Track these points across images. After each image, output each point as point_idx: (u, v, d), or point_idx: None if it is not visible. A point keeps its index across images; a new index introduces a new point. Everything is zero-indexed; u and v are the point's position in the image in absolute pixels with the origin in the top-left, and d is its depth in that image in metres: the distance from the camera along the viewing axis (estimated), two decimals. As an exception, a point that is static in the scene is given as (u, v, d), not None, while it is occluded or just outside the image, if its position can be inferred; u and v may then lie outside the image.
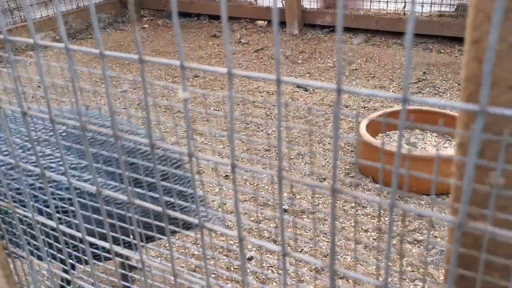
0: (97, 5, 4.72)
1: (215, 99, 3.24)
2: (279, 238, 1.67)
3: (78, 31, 4.61)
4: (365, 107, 3.07)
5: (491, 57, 0.39)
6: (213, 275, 1.22)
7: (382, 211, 1.98)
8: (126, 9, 5.09)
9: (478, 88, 0.52)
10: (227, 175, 2.34)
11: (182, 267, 1.56)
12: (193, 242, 1.73)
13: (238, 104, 3.16)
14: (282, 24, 4.54)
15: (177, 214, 0.62)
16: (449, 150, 2.23)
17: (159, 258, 1.20)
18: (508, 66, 0.49)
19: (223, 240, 1.79)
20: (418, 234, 1.77)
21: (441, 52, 3.83)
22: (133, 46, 4.42)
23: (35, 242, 1.10)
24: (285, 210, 2.05)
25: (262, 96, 3.31)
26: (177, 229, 0.77)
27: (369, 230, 1.88)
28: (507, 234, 0.45)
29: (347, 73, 3.64)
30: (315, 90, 3.35)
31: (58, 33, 4.41)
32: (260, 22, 4.78)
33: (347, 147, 2.65)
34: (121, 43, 4.44)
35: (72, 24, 4.48)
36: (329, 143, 2.66)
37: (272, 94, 3.33)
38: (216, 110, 3.11)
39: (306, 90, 3.38)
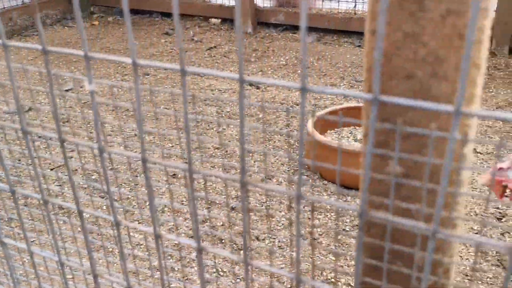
0: (44, 2, 4.56)
1: (165, 97, 3.19)
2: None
3: (23, 27, 4.44)
4: (315, 105, 3.10)
5: (380, 44, 0.39)
6: (134, 274, 1.19)
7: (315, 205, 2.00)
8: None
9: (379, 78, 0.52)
10: (174, 174, 2.31)
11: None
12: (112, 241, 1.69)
13: (190, 102, 3.13)
14: (234, 21, 4.54)
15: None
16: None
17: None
18: (404, 56, 0.49)
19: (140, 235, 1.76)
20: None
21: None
22: (81, 43, 4.28)
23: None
24: (233, 208, 2.04)
25: (213, 94, 3.28)
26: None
27: (283, 222, 1.90)
28: (407, 223, 0.45)
29: (299, 71, 3.67)
30: (267, 88, 3.35)
31: None
32: (213, 20, 4.75)
33: (296, 144, 2.66)
34: (69, 40, 4.31)
35: (17, 21, 4.31)
36: (278, 141, 2.67)
37: (224, 92, 3.31)
38: (166, 108, 3.06)
39: (258, 88, 3.38)
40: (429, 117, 0.50)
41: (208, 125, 2.80)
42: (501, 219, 2.03)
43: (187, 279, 1.56)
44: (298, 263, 0.54)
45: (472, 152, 0.55)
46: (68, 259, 0.89)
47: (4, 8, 4.19)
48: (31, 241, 1.47)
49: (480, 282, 1.08)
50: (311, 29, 4.32)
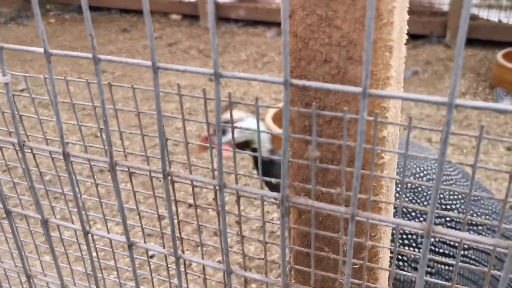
0: (-4, -1, 4.41)
1: (124, 94, 3.14)
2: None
3: (-25, 26, 4.28)
4: (276, 99, 3.11)
5: (286, 27, 0.38)
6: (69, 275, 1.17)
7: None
8: (29, 2, 4.79)
9: (298, 63, 0.52)
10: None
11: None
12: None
13: (148, 99, 3.08)
14: (196, 17, 4.49)
15: None
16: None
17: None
18: (321, 39, 0.49)
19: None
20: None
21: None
22: (37, 41, 4.17)
23: None
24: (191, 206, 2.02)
25: (173, 90, 3.25)
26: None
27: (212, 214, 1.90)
28: (326, 207, 0.45)
29: (260, 65, 3.67)
30: (228, 83, 3.34)
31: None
32: (174, 16, 4.69)
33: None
34: (24, 38, 4.18)
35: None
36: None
37: (184, 88, 3.27)
38: (124, 106, 3.01)
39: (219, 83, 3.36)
40: (348, 101, 0.50)
41: (167, 122, 2.77)
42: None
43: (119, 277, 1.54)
44: (227, 253, 0.54)
45: (412, 138, 0.55)
46: (1, 261, 0.86)
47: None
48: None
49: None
50: (271, 24, 4.32)
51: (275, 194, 0.49)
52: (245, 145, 1.27)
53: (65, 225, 0.65)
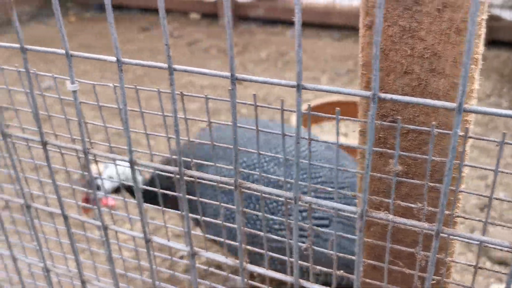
0: (18, -3, 4.45)
1: (146, 94, 3.15)
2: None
3: (-3, 25, 4.32)
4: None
5: (378, 39, 0.37)
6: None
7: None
8: (50, 1, 4.83)
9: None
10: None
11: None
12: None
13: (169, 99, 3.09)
14: (215, 16, 4.49)
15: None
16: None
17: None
18: (402, 51, 0.48)
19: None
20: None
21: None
22: (58, 40, 4.19)
23: None
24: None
25: (195, 90, 3.25)
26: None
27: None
28: (409, 223, 0.44)
29: (280, 65, 3.65)
30: (250, 83, 3.33)
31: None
32: (193, 15, 4.70)
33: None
34: (45, 37, 4.21)
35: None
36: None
37: (205, 88, 3.28)
38: (148, 105, 3.02)
39: (240, 83, 3.35)
40: (428, 114, 0.49)
41: (191, 122, 2.77)
42: (483, 208, 2.06)
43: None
44: (296, 264, 0.53)
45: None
46: (54, 265, 0.86)
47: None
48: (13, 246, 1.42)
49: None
50: (290, 23, 4.31)
51: (352, 208, 0.48)
52: (118, 190, 1.31)
53: (125, 232, 0.65)
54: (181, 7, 4.67)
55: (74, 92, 0.58)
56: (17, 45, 0.57)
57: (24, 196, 0.68)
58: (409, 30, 0.46)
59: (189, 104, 3.01)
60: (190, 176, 0.54)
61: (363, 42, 0.49)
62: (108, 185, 1.28)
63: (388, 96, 0.39)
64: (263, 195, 0.67)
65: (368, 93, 0.40)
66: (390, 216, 0.44)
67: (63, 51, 0.57)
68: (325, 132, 2.43)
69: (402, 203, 0.48)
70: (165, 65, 0.52)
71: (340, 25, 4.13)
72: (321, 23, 4.22)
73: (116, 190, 1.32)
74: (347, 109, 2.44)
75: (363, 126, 0.53)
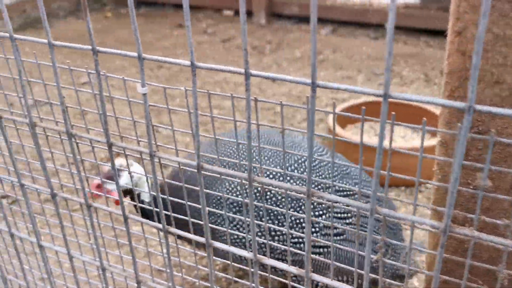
0: (57, -7, 4.53)
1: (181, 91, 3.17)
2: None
3: (37, 19, 4.41)
4: (334, 98, 3.06)
5: (479, 48, 0.35)
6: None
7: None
8: (87, -3, 4.91)
9: (462, 82, 0.48)
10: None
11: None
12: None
13: (204, 95, 3.10)
14: (249, 13, 4.48)
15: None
16: (417, 141, 2.24)
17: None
18: (494, 59, 0.46)
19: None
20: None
21: (407, 43, 3.86)
22: (96, 35, 4.26)
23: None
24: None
25: (229, 87, 3.25)
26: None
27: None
28: (493, 239, 0.42)
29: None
30: (282, 82, 3.31)
31: (15, 22, 4.22)
32: (226, 12, 4.70)
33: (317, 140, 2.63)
34: (83, 32, 4.28)
35: (31, 13, 4.28)
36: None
37: (240, 85, 3.27)
38: (182, 101, 3.03)
39: (274, 80, 3.34)
40: (517, 125, 0.47)
41: (225, 120, 2.77)
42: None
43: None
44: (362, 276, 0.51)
45: None
46: (109, 264, 0.86)
47: (17, 0, 4.16)
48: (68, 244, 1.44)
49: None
50: (325, 21, 4.26)
51: (434, 223, 0.46)
52: (126, 193, 1.28)
53: (187, 235, 0.65)
54: (215, 3, 4.68)
55: (144, 95, 0.57)
56: (44, 40, 0.58)
57: (85, 196, 0.69)
58: (503, 38, 0.44)
59: (223, 102, 3.01)
60: (259, 183, 0.53)
61: (450, 48, 0.47)
62: (125, 181, 1.26)
63: (485, 108, 0.37)
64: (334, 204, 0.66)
65: (462, 104, 0.38)
66: (476, 233, 0.42)
67: (89, 47, 0.56)
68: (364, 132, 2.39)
69: (487, 219, 0.46)
70: (242, 70, 0.51)
71: (376, 24, 4.06)
72: (357, 22, 4.16)
73: (124, 193, 1.30)
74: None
75: (443, 137, 0.50)
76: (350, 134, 2.36)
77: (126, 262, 1.52)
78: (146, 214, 1.19)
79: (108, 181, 1.12)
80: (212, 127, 0.73)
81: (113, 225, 0.87)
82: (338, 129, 2.22)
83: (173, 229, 0.61)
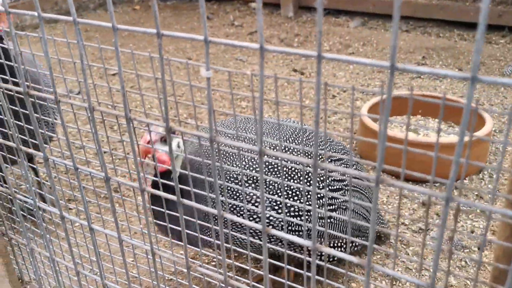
0: (87, -15, 4.57)
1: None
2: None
3: (67, 12, 4.47)
4: (363, 92, 3.02)
5: None
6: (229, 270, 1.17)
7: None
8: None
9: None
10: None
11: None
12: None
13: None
14: (277, 6, 4.45)
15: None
16: (452, 136, 2.19)
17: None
18: None
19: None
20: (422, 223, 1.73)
21: (440, 36, 3.78)
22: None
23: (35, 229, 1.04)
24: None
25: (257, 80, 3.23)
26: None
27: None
28: None
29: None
30: (311, 74, 3.28)
31: (47, 13, 4.27)
32: (253, 4, 4.67)
33: (347, 132, 2.60)
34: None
35: (62, 5, 4.34)
36: (329, 123, 2.61)
37: (268, 78, 3.25)
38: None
39: (302, 74, 3.31)
40: None
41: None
42: None
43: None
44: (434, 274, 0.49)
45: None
46: (158, 248, 0.86)
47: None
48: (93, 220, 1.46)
49: None
50: (355, 14, 4.20)
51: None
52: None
53: (239, 220, 0.63)
54: (242, -4, 4.66)
55: (208, 79, 0.56)
56: (109, 24, 0.57)
57: (144, 181, 0.68)
58: None
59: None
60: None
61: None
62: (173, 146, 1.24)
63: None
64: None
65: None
66: None
67: (154, 30, 0.55)
68: (395, 126, 2.35)
69: None
70: (314, 53, 0.49)
71: (407, 16, 3.99)
72: (387, 14, 4.09)
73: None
74: (418, 102, 2.34)
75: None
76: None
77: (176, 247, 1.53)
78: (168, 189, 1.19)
79: (158, 142, 1.13)
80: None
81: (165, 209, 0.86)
82: (369, 121, 2.18)
83: (228, 215, 0.60)
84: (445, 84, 2.98)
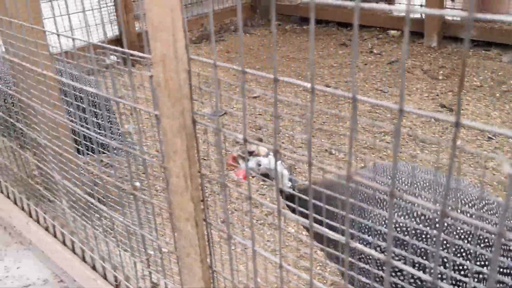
0: (230, 9, 4.76)
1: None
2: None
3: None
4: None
5: None
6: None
7: None
8: (255, 13, 5.09)
9: None
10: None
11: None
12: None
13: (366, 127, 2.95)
14: (419, 34, 4.24)
15: None
16: None
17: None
18: None
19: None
20: None
21: None
22: (263, 50, 4.38)
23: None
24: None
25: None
26: None
27: None
28: None
29: (497, 94, 3.27)
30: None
31: (193, 34, 4.52)
32: (392, 32, 4.51)
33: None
34: (251, 46, 4.43)
35: (207, 27, 4.56)
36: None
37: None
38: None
39: (451, 110, 3.09)
40: None
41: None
42: None
43: None
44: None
45: None
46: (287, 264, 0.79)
47: (197, 14, 4.45)
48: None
49: None
50: (507, 47, 3.86)
51: None
52: (265, 176, 1.43)
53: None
54: (381, 23, 4.53)
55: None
56: (238, 68, 0.66)
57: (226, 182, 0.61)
58: None
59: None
60: None
61: None
62: (252, 164, 1.40)
63: None
64: None
65: None
66: None
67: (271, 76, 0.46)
68: None
69: None
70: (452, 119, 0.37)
71: None
72: None
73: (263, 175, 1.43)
74: None
75: None
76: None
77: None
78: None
79: (241, 157, 1.35)
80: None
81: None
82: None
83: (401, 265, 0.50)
84: None
